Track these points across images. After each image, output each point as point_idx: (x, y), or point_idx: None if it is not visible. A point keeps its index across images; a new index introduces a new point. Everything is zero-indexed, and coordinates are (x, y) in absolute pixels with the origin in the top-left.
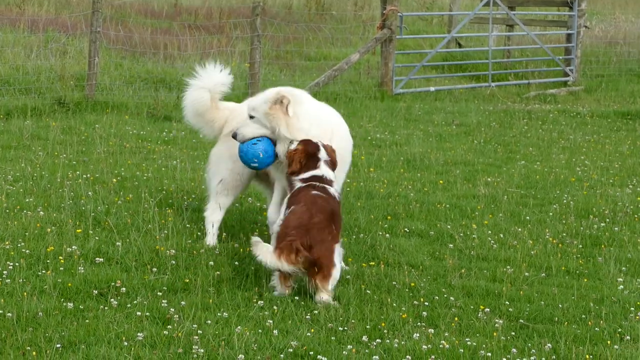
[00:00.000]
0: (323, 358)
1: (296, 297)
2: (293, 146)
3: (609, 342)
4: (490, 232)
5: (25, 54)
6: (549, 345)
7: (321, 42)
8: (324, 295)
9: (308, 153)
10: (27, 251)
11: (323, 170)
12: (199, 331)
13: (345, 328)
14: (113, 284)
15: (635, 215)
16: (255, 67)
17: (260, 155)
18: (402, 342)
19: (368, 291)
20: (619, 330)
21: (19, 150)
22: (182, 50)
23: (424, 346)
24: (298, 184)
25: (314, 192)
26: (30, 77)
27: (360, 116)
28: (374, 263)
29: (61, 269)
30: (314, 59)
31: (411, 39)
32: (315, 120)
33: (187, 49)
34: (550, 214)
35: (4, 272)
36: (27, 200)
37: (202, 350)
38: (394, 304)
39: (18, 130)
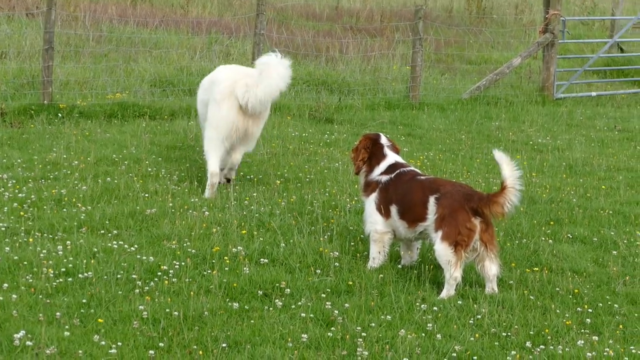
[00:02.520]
0: None
1: (459, 302)
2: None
3: None
4: None
5: (189, 56)
6: None
7: (482, 45)
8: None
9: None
10: (193, 251)
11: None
12: (363, 333)
13: (509, 333)
14: (277, 284)
15: None
16: (417, 70)
17: None
18: (566, 349)
19: (531, 297)
20: None
21: (184, 151)
22: (344, 53)
23: (588, 353)
24: (380, 178)
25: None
26: (194, 78)
27: (521, 120)
28: (537, 269)
29: (226, 269)
30: (475, 62)
31: (573, 44)
32: None
33: (348, 52)
34: None
35: (171, 271)
36: (192, 200)
37: (366, 353)
38: (558, 311)
39: (182, 131)
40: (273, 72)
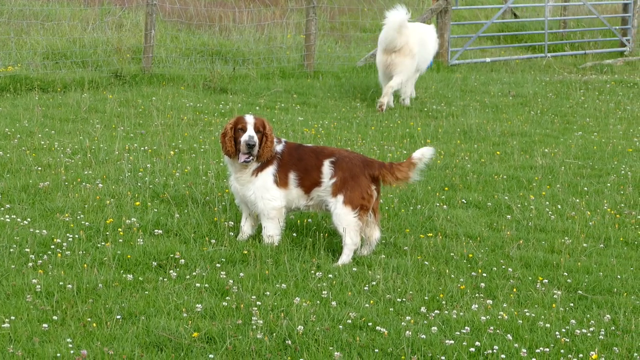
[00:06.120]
0: (382, 329)
1: (354, 269)
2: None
3: None
4: (548, 203)
5: (82, 27)
6: (608, 316)
7: (376, 13)
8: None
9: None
10: (87, 223)
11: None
12: (257, 302)
13: (404, 299)
14: (172, 255)
15: None
16: (311, 39)
17: None
18: (461, 314)
19: (426, 262)
20: None
21: (77, 123)
22: (238, 23)
23: (483, 317)
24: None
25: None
26: (87, 50)
27: (416, 87)
28: (431, 234)
29: (120, 240)
30: (369, 30)
31: (467, 10)
32: None
33: (242, 21)
34: (608, 184)
35: (64, 244)
36: (86, 172)
37: (261, 322)
38: (452, 275)
39: (75, 103)
40: (388, 17)
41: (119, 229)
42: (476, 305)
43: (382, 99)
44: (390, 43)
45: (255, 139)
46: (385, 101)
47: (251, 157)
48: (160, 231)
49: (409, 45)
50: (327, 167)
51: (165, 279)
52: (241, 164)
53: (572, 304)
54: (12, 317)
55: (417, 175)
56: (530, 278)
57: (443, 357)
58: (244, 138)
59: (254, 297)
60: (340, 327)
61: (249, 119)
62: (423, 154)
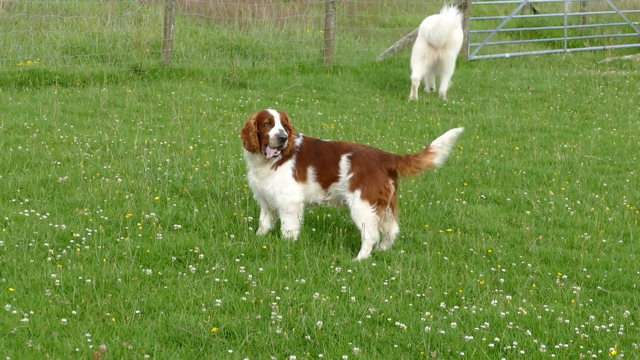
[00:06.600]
0: (401, 324)
1: (373, 264)
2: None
3: None
4: (567, 198)
5: (101, 22)
6: (627, 312)
7: (395, 8)
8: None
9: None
10: (106, 218)
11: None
12: (277, 297)
13: (423, 294)
14: (191, 250)
15: None
16: (330, 34)
17: None
18: (480, 309)
19: (445, 258)
20: None
21: (96, 118)
22: (257, 17)
23: (502, 313)
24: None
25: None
26: (106, 44)
27: (435, 82)
28: (450, 230)
29: (139, 235)
30: (389, 25)
31: (486, 5)
32: None
33: (261, 16)
34: (627, 180)
35: (83, 238)
36: (105, 167)
37: (280, 317)
38: (471, 271)
39: (95, 98)
40: (443, 19)
41: (138, 224)
42: (495, 301)
43: (442, 88)
44: (439, 42)
45: (285, 132)
46: (445, 90)
47: (279, 151)
48: (179, 226)
49: (453, 39)
50: (344, 162)
51: (184, 274)
52: (269, 158)
53: (591, 300)
54: (31, 312)
55: (440, 161)
56: (549, 274)
57: (462, 353)
58: (274, 132)
59: (273, 292)
60: (360, 322)
61: (275, 113)
62: (444, 142)
